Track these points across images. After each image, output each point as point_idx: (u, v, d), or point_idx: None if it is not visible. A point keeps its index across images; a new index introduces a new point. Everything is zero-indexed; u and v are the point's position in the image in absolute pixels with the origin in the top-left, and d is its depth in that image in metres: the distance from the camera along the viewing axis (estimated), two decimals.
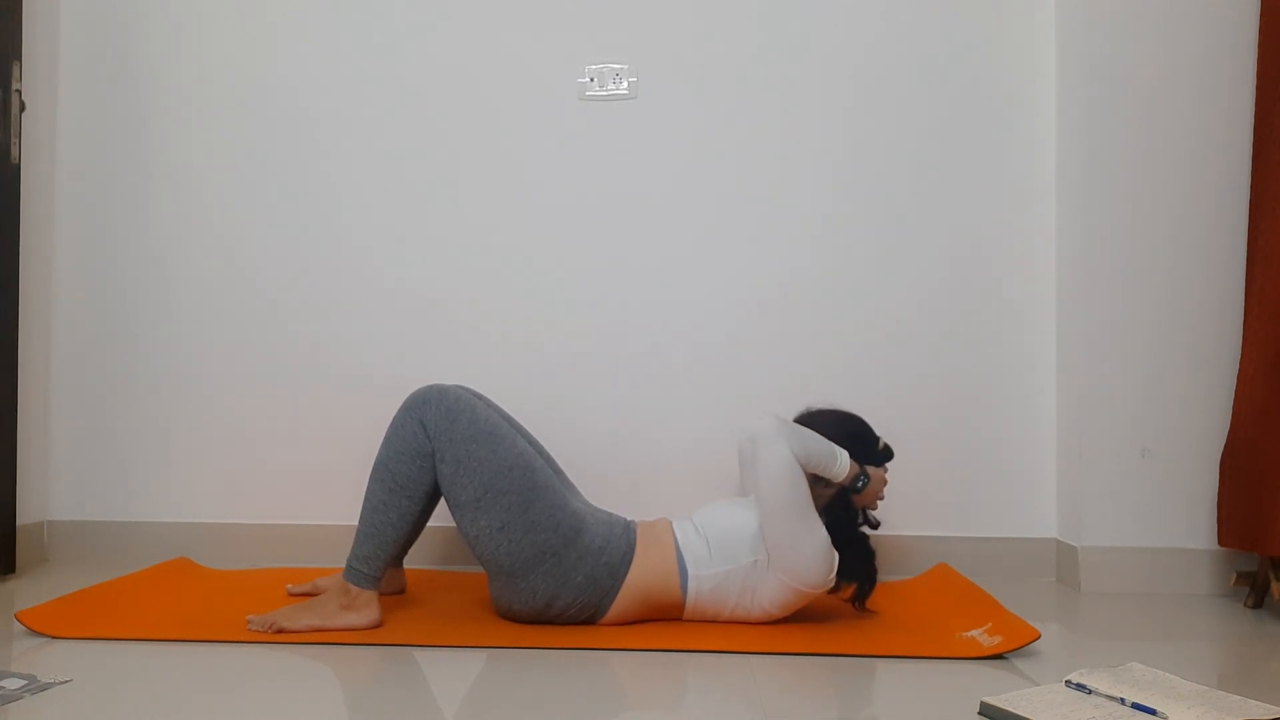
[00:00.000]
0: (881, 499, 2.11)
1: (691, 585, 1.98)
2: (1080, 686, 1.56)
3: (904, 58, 2.61)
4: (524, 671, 1.73)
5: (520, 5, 2.66)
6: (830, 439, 2.03)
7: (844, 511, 2.04)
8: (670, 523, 2.09)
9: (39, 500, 2.63)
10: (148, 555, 2.57)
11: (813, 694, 1.65)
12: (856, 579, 2.02)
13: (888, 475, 2.13)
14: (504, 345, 2.64)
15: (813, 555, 1.93)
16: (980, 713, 1.51)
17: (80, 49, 2.70)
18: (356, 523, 2.01)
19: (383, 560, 1.98)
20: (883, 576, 2.09)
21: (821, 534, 1.94)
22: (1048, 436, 2.58)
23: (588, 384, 2.63)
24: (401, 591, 2.27)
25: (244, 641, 1.88)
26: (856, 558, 2.01)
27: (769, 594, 1.97)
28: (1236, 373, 2.31)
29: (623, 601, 1.98)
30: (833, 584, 1.98)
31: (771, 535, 1.94)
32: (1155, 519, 2.40)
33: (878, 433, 2.15)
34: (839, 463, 1.99)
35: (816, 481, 2.01)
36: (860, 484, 2.03)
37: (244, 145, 2.69)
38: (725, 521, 2.02)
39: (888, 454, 2.12)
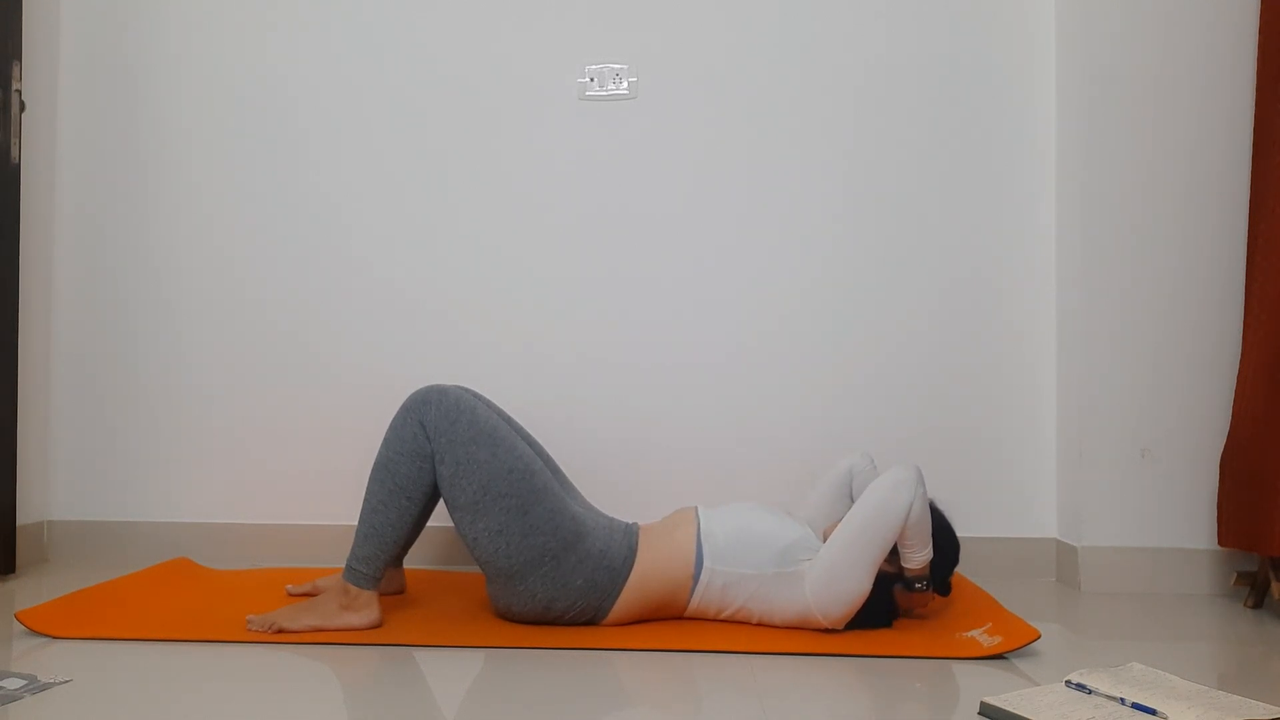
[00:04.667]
0: (910, 613, 2.07)
1: (704, 577, 1.97)
2: (1080, 686, 1.56)
3: (906, 62, 2.61)
4: (524, 671, 1.73)
5: (520, 5, 2.66)
6: None
7: (883, 593, 1.99)
8: (697, 509, 2.08)
9: (39, 500, 2.63)
10: (148, 555, 2.58)
11: (813, 694, 1.65)
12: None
13: (933, 603, 2.10)
14: (503, 347, 2.63)
15: (849, 592, 1.92)
16: (980, 713, 1.51)
17: (80, 49, 2.70)
18: (356, 523, 2.01)
19: (382, 561, 1.98)
20: None
21: (867, 584, 1.93)
22: (1048, 436, 2.58)
23: (588, 386, 2.62)
24: (401, 591, 2.27)
25: (244, 641, 1.88)
26: (860, 625, 1.99)
27: (781, 609, 1.96)
28: (1236, 373, 2.31)
29: (624, 604, 1.98)
30: (839, 628, 1.96)
31: (835, 551, 1.93)
32: (1155, 519, 2.40)
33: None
34: (923, 555, 1.97)
35: (893, 553, 1.99)
36: (919, 586, 1.99)
37: (243, 146, 2.69)
38: (753, 525, 2.01)
39: (946, 589, 2.08)
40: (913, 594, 2.00)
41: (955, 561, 2.08)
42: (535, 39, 2.65)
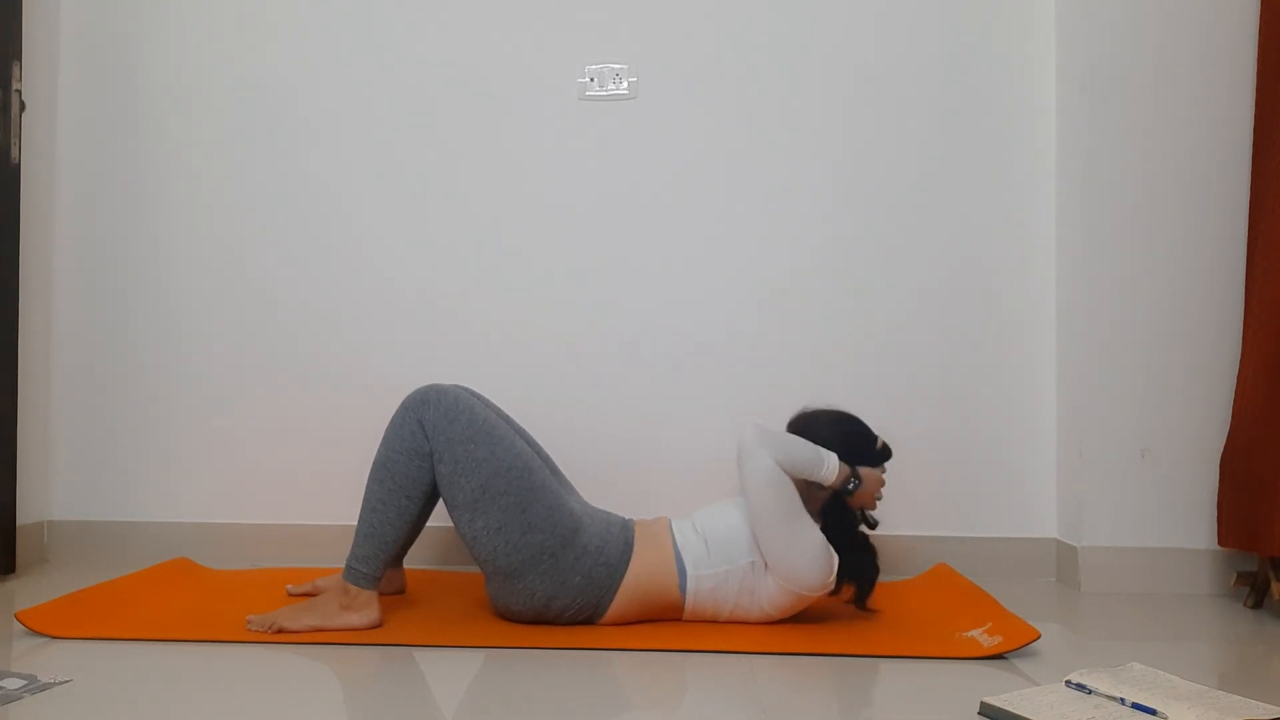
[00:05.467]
0: (879, 499, 2.09)
1: (690, 585, 1.98)
2: (1080, 686, 1.56)
3: (905, 58, 2.61)
4: (524, 671, 1.73)
5: (520, 5, 2.66)
6: (825, 440, 2.01)
7: (840, 513, 2.03)
8: (669, 522, 2.09)
9: (39, 500, 2.63)
10: (148, 555, 2.57)
11: (813, 694, 1.65)
12: (856, 579, 2.02)
13: (886, 475, 2.12)
14: (503, 345, 2.64)
15: (809, 559, 1.92)
16: (980, 713, 1.51)
17: (80, 49, 2.70)
18: (356, 523, 2.01)
19: (382, 560, 1.98)
20: (883, 576, 2.08)
21: (815, 537, 1.94)
22: (1048, 437, 2.58)
23: (587, 384, 2.62)
24: (401, 591, 2.27)
25: (244, 641, 1.88)
26: (856, 558, 2.01)
27: (768, 596, 1.97)
28: (1236, 373, 2.31)
29: (621, 601, 1.98)
30: (832, 586, 1.97)
31: (764, 541, 1.94)
32: (1155, 519, 2.40)
33: (876, 431, 2.13)
34: (826, 466, 1.98)
35: (811, 485, 2.00)
36: (852, 486, 2.01)
37: (243, 145, 2.69)
38: (724, 522, 2.02)
39: (886, 454, 2.10)
40: (858, 494, 2.01)
41: (862, 429, 2.09)
42: (536, 39, 2.65)
